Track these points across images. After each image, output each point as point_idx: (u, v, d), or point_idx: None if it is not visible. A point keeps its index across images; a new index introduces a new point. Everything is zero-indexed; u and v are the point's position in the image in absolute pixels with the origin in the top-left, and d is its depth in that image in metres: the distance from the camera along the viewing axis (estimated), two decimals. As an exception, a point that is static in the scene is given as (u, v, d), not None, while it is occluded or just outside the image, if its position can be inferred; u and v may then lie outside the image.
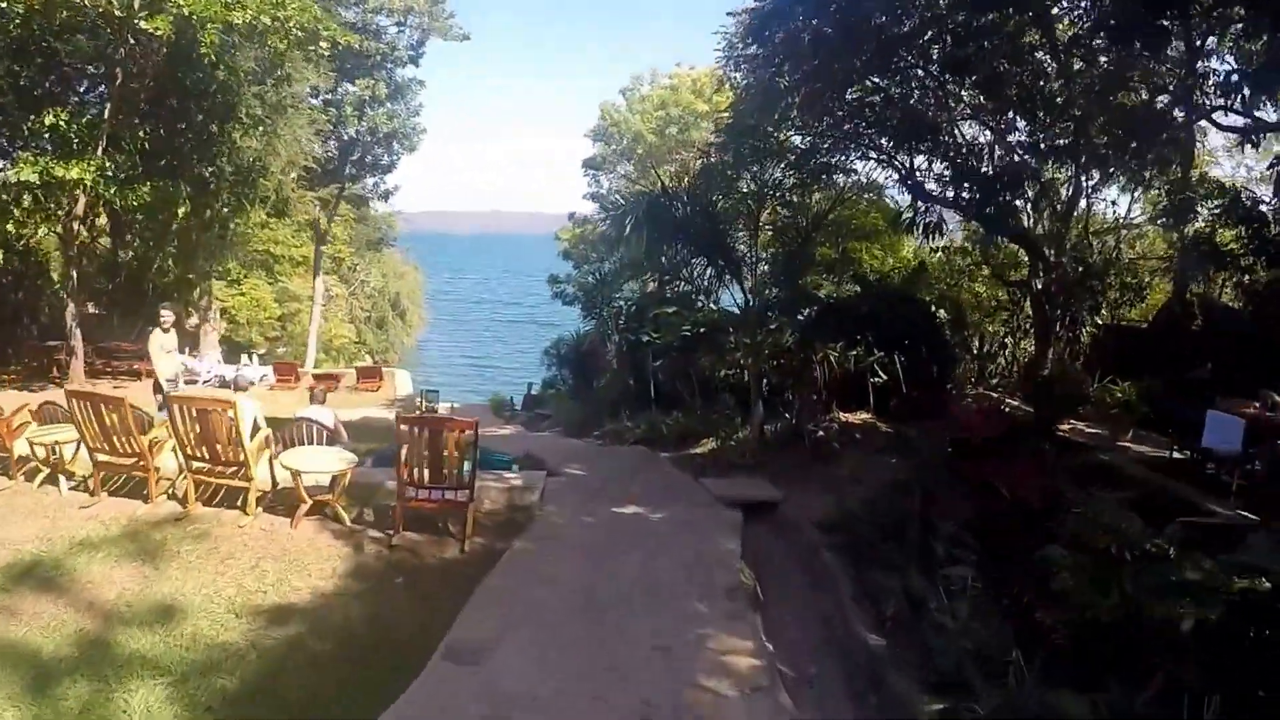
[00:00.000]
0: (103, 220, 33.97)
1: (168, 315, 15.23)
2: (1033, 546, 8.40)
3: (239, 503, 10.71)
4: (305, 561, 9.50)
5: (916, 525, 10.59)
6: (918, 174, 21.18)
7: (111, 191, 23.78)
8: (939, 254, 24.45)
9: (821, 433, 17.06)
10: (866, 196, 23.25)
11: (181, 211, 27.27)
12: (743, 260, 16.57)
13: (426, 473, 9.78)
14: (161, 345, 14.96)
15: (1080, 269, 21.13)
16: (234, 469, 10.38)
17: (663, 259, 16.58)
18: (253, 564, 9.39)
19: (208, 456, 10.38)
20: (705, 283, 16.80)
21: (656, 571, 9.56)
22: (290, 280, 54.81)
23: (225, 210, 29.69)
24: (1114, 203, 23.81)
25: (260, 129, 28.73)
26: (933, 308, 19.88)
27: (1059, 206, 21.19)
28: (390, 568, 9.56)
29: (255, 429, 12.75)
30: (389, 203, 47.00)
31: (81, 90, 28.21)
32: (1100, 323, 21.39)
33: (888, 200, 24.37)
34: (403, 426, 9.83)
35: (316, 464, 10.28)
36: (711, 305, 19.53)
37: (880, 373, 18.33)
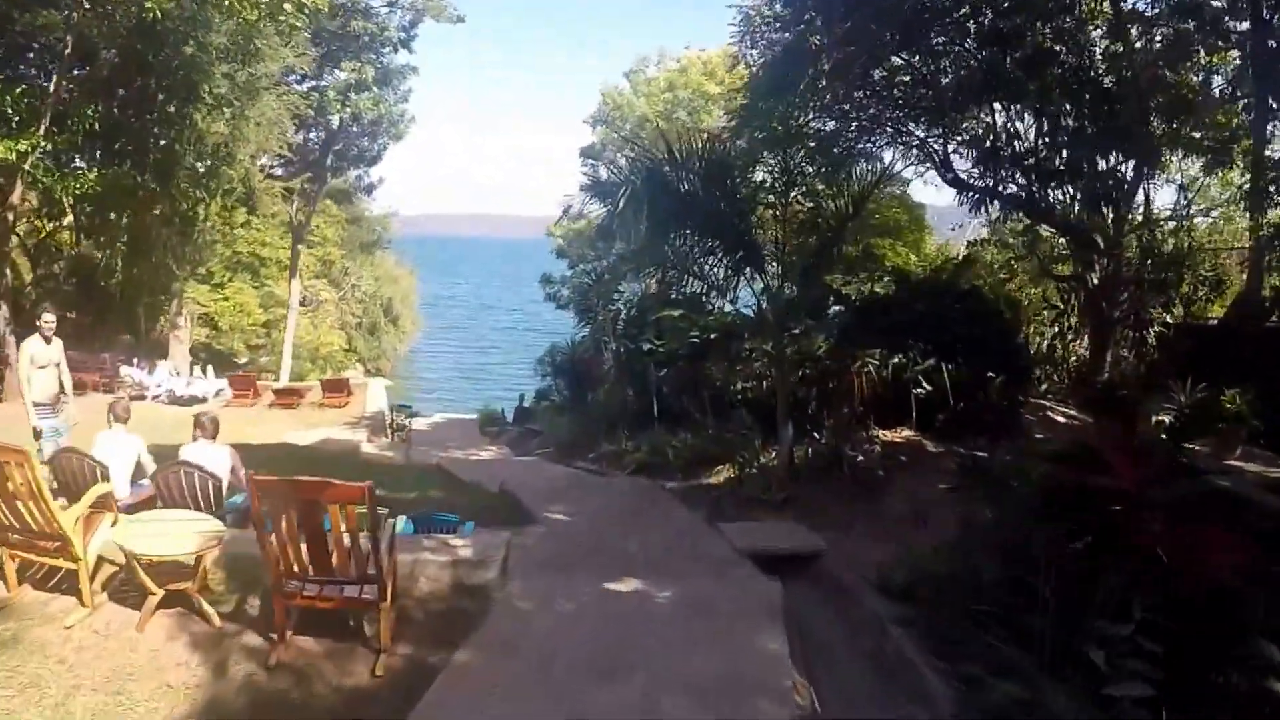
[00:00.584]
0: (69, 218, 31.08)
1: (48, 320, 11.73)
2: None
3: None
4: (137, 694, 6.13)
5: (1045, 606, 7.25)
6: (954, 160, 18.57)
7: (52, 178, 20.48)
8: (972, 250, 21.79)
9: (861, 457, 13.80)
10: (888, 190, 20.59)
11: (134, 203, 24.16)
12: (767, 252, 13.15)
13: (309, 561, 6.30)
14: (33, 358, 11.42)
15: (1148, 261, 18.08)
16: (53, 543, 6.94)
17: (667, 248, 13.18)
18: (62, 697, 6.04)
19: (17, 525, 6.96)
20: (720, 279, 13.41)
21: (669, 708, 6.13)
22: (276, 284, 51.47)
23: (186, 204, 26.30)
24: (1183, 188, 20.96)
25: (227, 111, 25.45)
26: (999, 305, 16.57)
27: (1114, 195, 18.30)
28: (259, 704, 6.17)
29: (137, 472, 9.46)
30: (372, 196, 43.46)
31: (30, 59, 24.86)
32: (1170, 321, 18.29)
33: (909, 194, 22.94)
34: (260, 490, 6.37)
35: (161, 543, 6.80)
36: (726, 306, 16.18)
37: (924, 383, 15.20)
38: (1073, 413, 16.26)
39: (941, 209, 25.66)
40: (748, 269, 12.97)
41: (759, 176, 14.73)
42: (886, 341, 12.51)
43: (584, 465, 17.65)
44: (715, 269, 13.40)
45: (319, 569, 6.23)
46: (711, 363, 17.71)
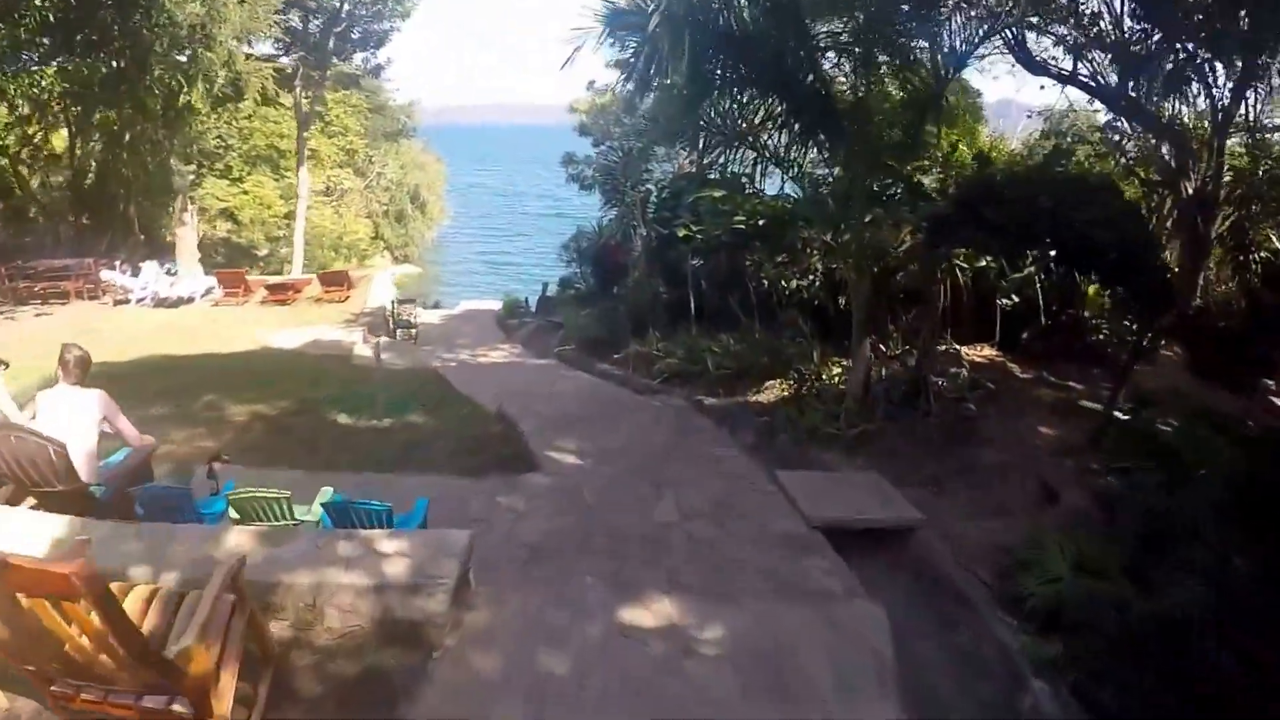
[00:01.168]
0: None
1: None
2: None
3: None
4: None
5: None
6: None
7: (4, 78, 17.53)
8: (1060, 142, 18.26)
9: (945, 382, 10.76)
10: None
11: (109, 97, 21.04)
12: (844, 111, 9.72)
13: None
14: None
15: (1260, 171, 14.62)
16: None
17: (709, 107, 9.89)
18: None
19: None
20: (780, 148, 10.12)
21: None
22: (296, 175, 48.50)
23: (163, 93, 23.00)
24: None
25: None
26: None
27: (1219, 93, 14.57)
28: None
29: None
30: (381, 79, 39.02)
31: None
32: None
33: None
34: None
35: None
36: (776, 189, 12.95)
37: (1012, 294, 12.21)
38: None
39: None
40: (821, 135, 9.62)
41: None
42: (996, 242, 9.21)
43: (608, 369, 14.72)
44: (772, 137, 10.13)
45: (79, 673, 3.27)
46: (759, 255, 14.51)
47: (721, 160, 11.90)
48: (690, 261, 15.94)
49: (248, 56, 24.93)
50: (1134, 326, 11.70)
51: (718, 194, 15.03)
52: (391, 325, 18.76)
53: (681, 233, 15.21)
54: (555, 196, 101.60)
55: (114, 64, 22.45)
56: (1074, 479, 8.74)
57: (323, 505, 5.64)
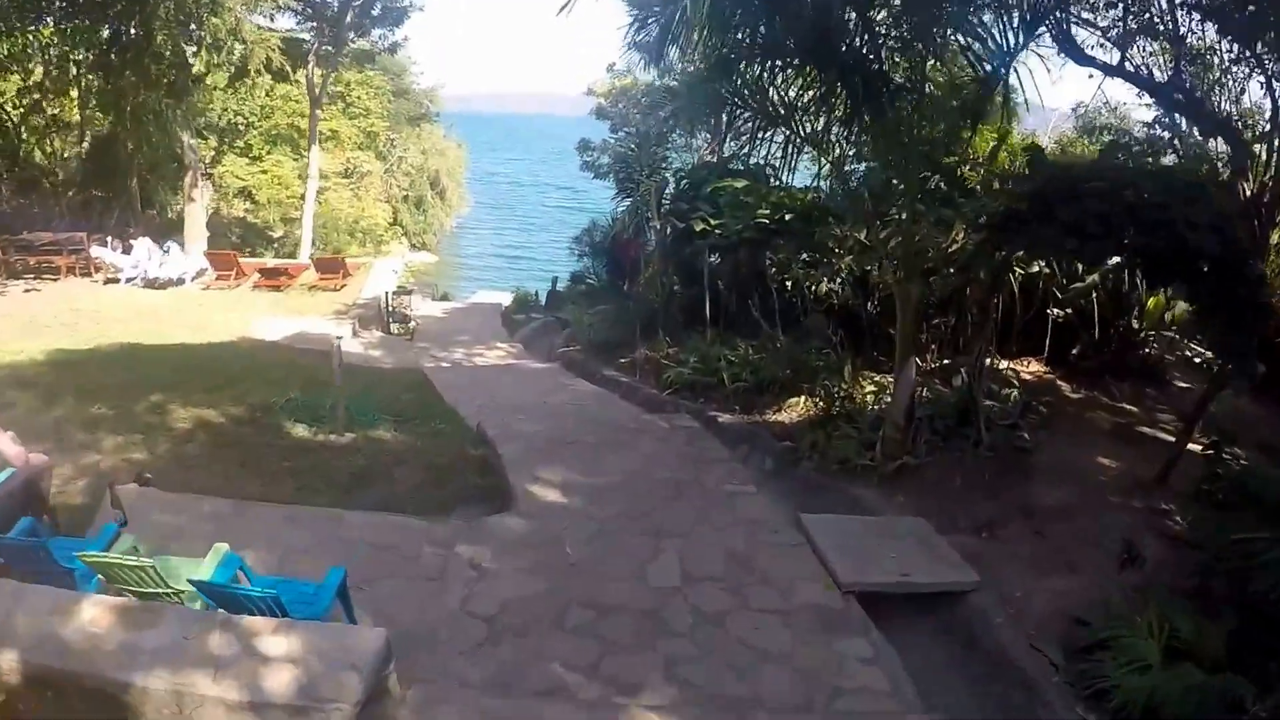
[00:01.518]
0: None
1: None
2: None
3: None
4: None
5: None
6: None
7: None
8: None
9: (995, 404, 9.26)
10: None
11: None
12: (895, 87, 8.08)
13: None
14: None
15: None
16: None
17: (736, 80, 8.33)
18: None
19: None
20: (816, 128, 8.53)
21: None
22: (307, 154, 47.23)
23: (171, 59, 21.59)
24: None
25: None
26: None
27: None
28: None
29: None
30: (397, 54, 37.01)
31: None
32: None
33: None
34: None
35: None
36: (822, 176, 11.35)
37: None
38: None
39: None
40: (865, 115, 8.01)
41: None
42: (1074, 243, 7.60)
43: (613, 375, 13.24)
44: (809, 113, 8.58)
45: None
46: (784, 253, 12.95)
47: (746, 144, 10.27)
48: (707, 258, 14.42)
49: (260, 28, 23.34)
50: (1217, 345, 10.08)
51: (739, 184, 13.53)
52: (386, 319, 17.27)
53: (699, 226, 13.76)
54: (576, 188, 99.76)
55: (119, 27, 21.12)
56: (1146, 523, 7.25)
57: (193, 584, 4.13)
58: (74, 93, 27.29)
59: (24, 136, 28.92)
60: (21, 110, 27.74)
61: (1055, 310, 11.22)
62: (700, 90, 9.08)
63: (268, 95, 40.41)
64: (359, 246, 46.05)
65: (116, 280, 19.48)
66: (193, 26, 20.63)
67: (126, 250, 20.40)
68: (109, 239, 20.99)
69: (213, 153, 42.33)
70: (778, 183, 13.50)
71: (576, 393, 12.13)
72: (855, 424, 9.30)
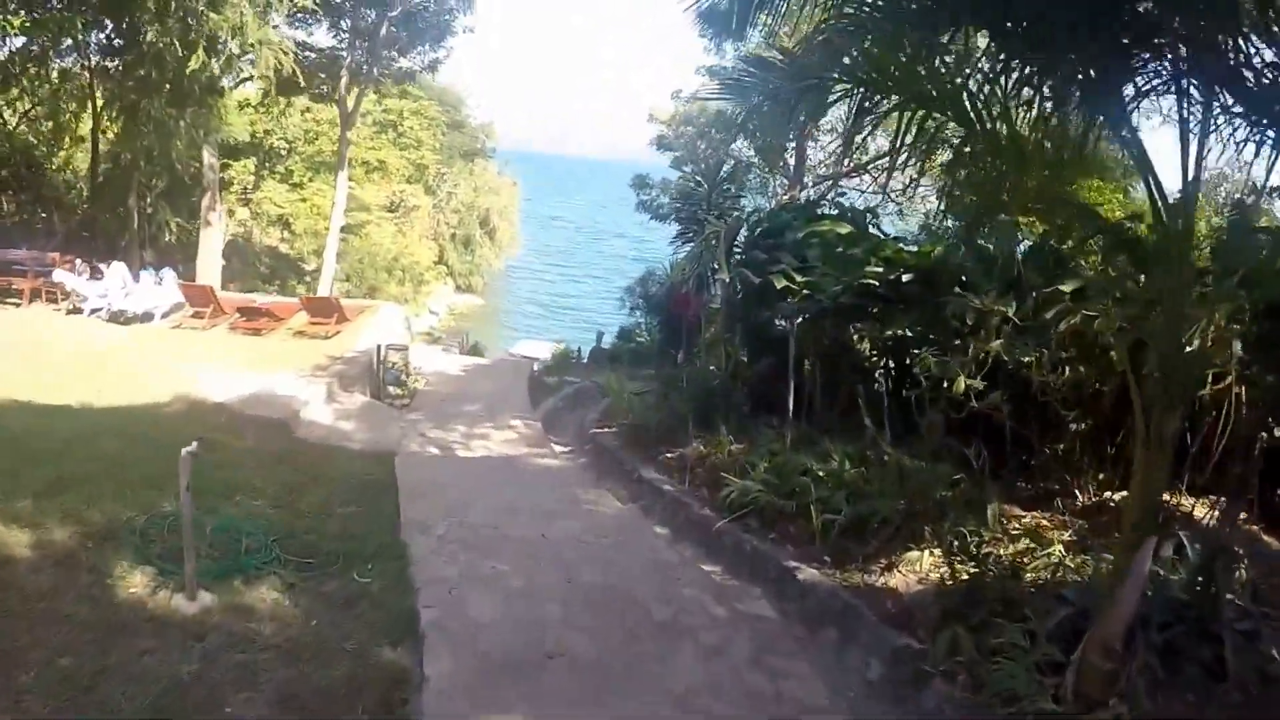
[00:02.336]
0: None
1: None
2: None
3: None
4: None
5: None
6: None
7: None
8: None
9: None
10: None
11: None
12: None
13: None
14: None
15: None
16: None
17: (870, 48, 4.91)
18: None
19: None
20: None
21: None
22: (360, 186, 44.89)
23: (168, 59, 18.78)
24: None
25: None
26: None
27: None
28: None
29: None
30: (436, 74, 33.41)
31: None
32: None
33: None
34: None
35: None
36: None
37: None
38: None
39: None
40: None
41: None
42: None
43: (653, 478, 9.81)
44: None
45: None
46: (900, 326, 9.43)
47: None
48: (788, 322, 10.98)
49: (273, 26, 20.53)
50: None
51: (841, 229, 10.16)
52: (378, 380, 13.95)
53: (780, 283, 10.36)
54: (634, 235, 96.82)
55: (99, 18, 18.56)
56: None
57: None
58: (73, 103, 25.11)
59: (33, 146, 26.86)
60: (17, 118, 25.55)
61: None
62: (811, 69, 5.57)
63: (303, 116, 38.40)
64: (398, 285, 43.57)
65: (80, 311, 16.58)
66: (190, 21, 17.79)
67: (97, 275, 17.53)
68: (77, 262, 18.10)
69: (252, 176, 40.39)
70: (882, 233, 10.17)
71: (593, 519, 8.50)
72: (1019, 614, 5.74)
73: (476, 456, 10.71)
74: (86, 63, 22.85)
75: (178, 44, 17.93)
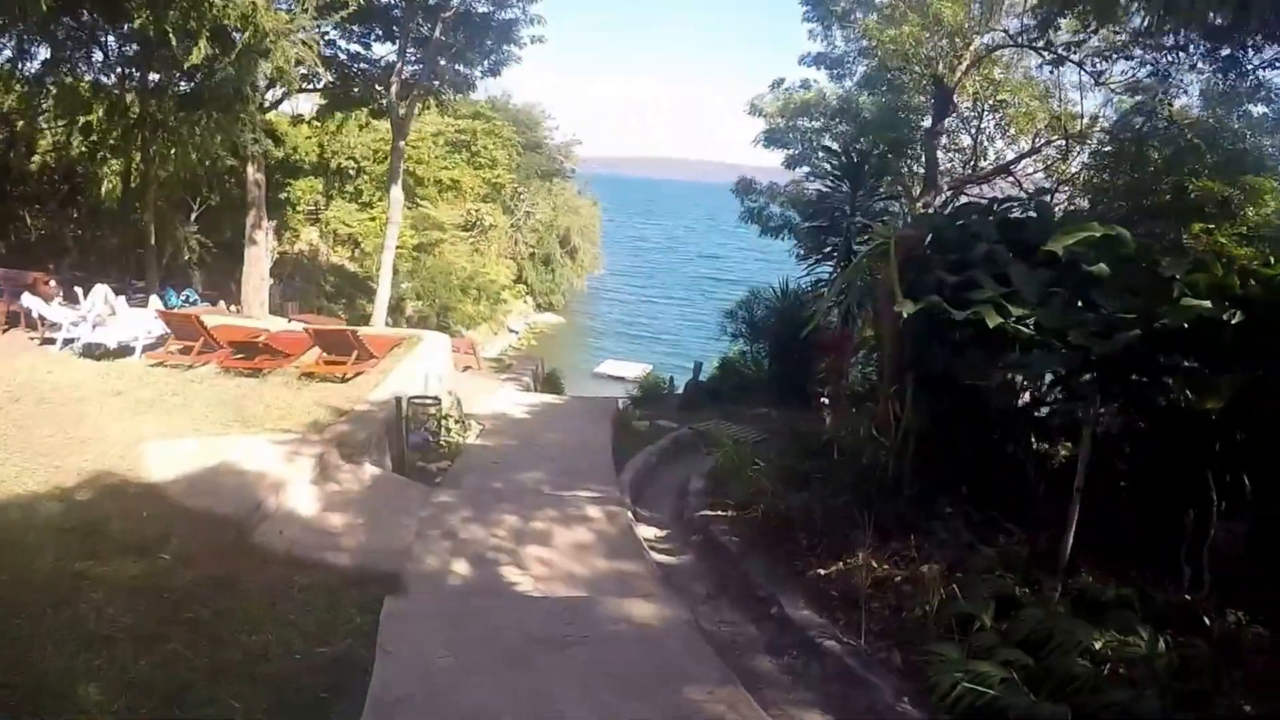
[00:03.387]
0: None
1: None
2: None
3: None
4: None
5: None
6: None
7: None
8: None
9: None
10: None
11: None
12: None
13: None
14: None
15: None
16: None
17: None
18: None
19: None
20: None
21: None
22: (435, 205, 42.80)
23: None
24: None
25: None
26: None
27: None
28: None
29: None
30: (498, 77, 29.28)
31: None
32: None
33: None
34: None
35: None
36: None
37: None
38: None
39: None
40: None
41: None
42: None
43: (800, 616, 6.27)
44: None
45: None
46: (1224, 399, 5.40)
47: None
48: (1028, 381, 7.05)
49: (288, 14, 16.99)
50: None
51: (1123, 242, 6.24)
52: (402, 442, 10.13)
53: (993, 320, 6.44)
54: (719, 255, 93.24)
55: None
56: None
57: None
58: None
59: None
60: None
61: None
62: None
63: (364, 132, 36.24)
64: (473, 304, 40.89)
65: (52, 341, 13.27)
66: (186, 4, 14.56)
67: (66, 301, 14.35)
68: (52, 283, 14.90)
69: (321, 196, 38.20)
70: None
71: None
72: None
73: (524, 591, 6.74)
74: (111, 74, 20.76)
75: (172, 32, 14.68)
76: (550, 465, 10.69)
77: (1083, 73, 17.35)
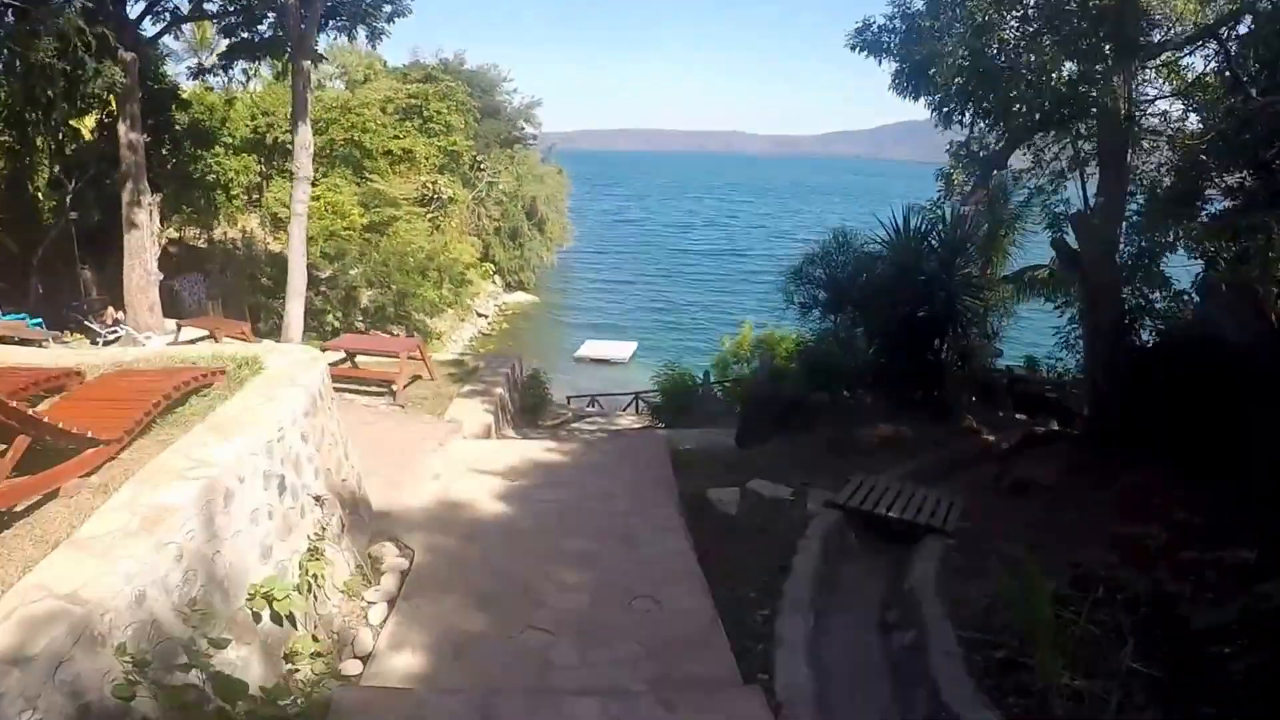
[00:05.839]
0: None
1: None
2: None
3: None
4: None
5: None
6: None
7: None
8: None
9: None
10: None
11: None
12: None
13: None
14: None
15: None
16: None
17: None
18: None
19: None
20: None
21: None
22: (387, 179, 36.50)
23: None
24: None
25: None
26: None
27: None
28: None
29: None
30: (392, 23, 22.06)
31: None
32: None
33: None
34: None
35: None
36: None
37: None
38: None
39: None
40: None
41: None
42: None
43: None
44: None
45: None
46: None
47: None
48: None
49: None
50: None
51: None
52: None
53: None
54: (685, 224, 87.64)
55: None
56: None
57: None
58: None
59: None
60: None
61: None
62: None
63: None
64: (434, 288, 34.37)
65: None
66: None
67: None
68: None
69: (259, 178, 32.31)
70: None
71: None
72: None
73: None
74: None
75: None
76: (588, 588, 4.67)
77: None
